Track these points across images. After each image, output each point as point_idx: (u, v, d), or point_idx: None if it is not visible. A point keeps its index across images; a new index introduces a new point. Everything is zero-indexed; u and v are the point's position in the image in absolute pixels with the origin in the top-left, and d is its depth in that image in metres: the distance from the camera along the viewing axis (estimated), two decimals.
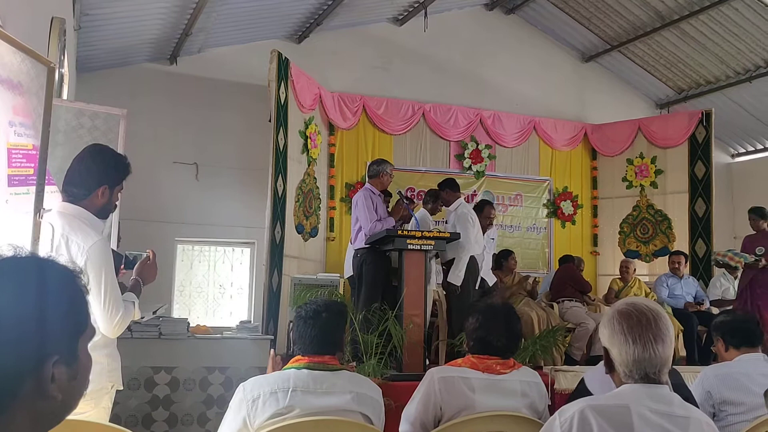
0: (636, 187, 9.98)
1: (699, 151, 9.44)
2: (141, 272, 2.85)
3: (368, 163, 7.13)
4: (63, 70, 4.84)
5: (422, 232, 5.66)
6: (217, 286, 9.10)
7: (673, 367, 2.91)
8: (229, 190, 8.67)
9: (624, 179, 10.09)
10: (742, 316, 3.17)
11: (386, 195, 6.67)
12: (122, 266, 2.90)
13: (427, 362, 5.67)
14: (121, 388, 2.76)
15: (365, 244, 5.92)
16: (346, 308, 2.69)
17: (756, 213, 7.09)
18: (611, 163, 10.23)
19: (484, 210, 6.99)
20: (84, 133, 3.82)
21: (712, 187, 9.27)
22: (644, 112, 11.10)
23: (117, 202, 2.79)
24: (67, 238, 2.53)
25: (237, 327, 6.01)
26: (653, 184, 9.88)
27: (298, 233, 7.99)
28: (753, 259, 6.77)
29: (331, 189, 8.91)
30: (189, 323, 5.70)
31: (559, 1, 10.14)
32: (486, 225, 6.87)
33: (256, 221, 7.69)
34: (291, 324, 5.93)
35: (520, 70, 10.40)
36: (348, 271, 6.69)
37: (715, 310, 7.47)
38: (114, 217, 3.94)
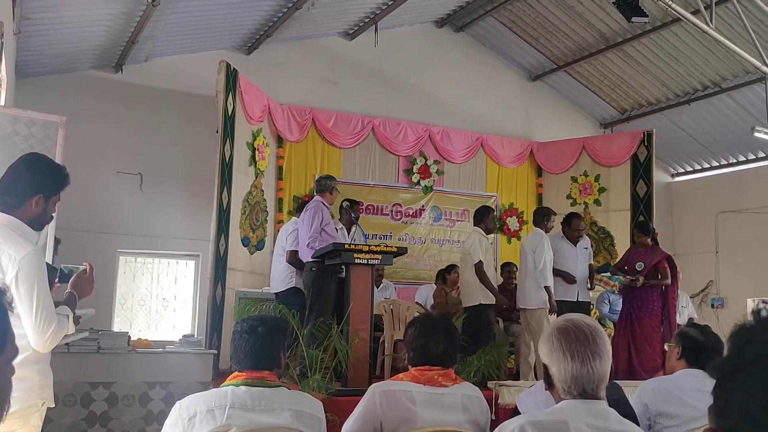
0: (580, 204, 10.17)
1: (641, 171, 9.68)
2: (76, 286, 2.75)
3: (318, 176, 7.06)
4: (0, 75, 4.70)
5: (369, 246, 5.64)
6: (160, 299, 8.91)
7: (616, 381, 2.97)
8: (174, 201, 8.53)
9: (568, 196, 10.29)
10: (714, 339, 3.11)
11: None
12: (56, 280, 2.79)
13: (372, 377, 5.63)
14: (53, 405, 2.65)
15: (314, 258, 5.86)
16: (285, 323, 2.65)
17: (639, 229, 7.26)
18: (556, 180, 10.42)
19: (572, 223, 7.10)
20: (19, 140, 3.70)
21: (653, 206, 9.51)
22: (589, 131, 11.37)
23: (53, 213, 2.70)
24: None
25: (180, 341, 5.86)
26: (597, 202, 10.09)
27: (244, 246, 7.88)
28: (628, 280, 6.90)
29: (279, 202, 8.84)
30: (129, 337, 5.54)
31: (507, 21, 10.33)
32: (576, 237, 7.02)
33: (201, 233, 7.56)
34: None
35: (469, 88, 10.53)
36: (278, 285, 6.60)
37: None
38: (50, 228, 3.82)
